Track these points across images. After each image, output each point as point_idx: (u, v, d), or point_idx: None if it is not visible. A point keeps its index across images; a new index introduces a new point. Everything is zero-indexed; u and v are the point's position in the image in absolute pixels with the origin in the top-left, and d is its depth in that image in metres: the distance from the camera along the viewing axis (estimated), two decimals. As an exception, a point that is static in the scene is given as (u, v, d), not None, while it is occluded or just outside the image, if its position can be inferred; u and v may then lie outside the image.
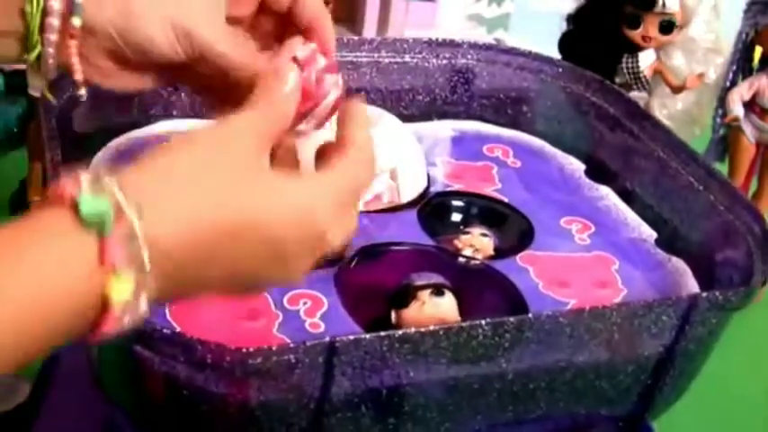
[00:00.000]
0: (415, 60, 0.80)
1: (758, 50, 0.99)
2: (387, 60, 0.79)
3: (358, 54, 0.78)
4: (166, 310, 0.54)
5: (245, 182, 0.35)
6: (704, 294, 0.55)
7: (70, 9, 0.39)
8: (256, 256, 0.35)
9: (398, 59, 0.80)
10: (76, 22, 0.39)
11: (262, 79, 0.39)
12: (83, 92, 0.42)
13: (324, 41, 0.43)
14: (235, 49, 0.42)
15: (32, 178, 1.01)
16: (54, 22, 0.39)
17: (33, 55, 0.40)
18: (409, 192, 0.70)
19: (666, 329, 0.56)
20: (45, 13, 0.39)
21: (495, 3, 1.35)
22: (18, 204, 1.02)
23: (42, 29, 0.39)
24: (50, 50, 0.40)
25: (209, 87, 0.44)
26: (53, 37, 0.39)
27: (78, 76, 0.41)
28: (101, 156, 0.69)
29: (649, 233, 0.70)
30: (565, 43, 1.07)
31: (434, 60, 0.81)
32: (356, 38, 0.79)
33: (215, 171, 0.34)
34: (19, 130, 0.92)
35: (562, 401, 0.57)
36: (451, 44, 0.81)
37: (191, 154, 0.34)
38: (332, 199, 0.37)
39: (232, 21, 0.44)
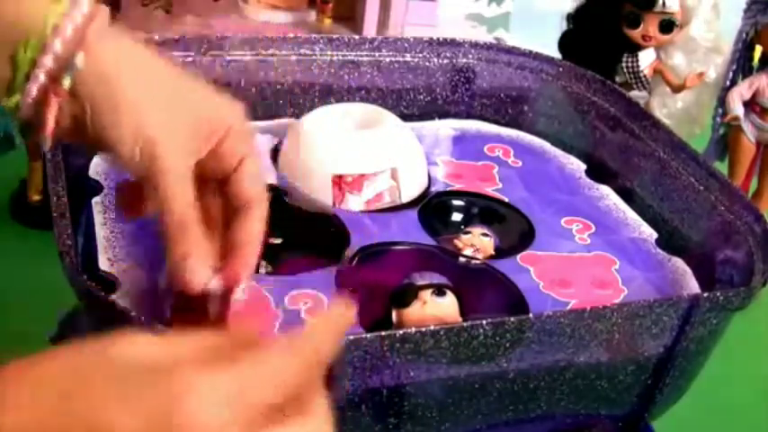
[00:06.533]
0: (415, 60, 0.80)
1: (758, 50, 1.00)
2: (388, 59, 0.79)
3: (359, 53, 0.78)
4: (167, 311, 0.54)
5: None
6: (705, 295, 0.55)
7: (62, 67, 0.39)
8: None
9: (399, 59, 0.80)
10: (66, 82, 0.39)
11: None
12: (48, 142, 0.41)
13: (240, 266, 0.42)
14: (179, 179, 0.41)
15: (32, 178, 1.01)
16: (41, 76, 0.40)
17: (12, 101, 0.40)
18: (410, 191, 0.70)
19: (667, 330, 0.56)
20: (34, 65, 0.40)
21: (495, 2, 1.35)
22: (18, 204, 1.02)
23: (28, 79, 0.40)
24: (29, 101, 0.40)
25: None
26: (35, 91, 0.40)
27: (47, 132, 0.41)
28: (102, 156, 0.68)
29: (650, 233, 0.70)
30: (565, 42, 1.08)
31: (435, 60, 0.81)
32: (357, 37, 0.79)
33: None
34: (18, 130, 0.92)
35: (562, 401, 0.57)
36: (452, 43, 0.81)
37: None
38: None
39: None
